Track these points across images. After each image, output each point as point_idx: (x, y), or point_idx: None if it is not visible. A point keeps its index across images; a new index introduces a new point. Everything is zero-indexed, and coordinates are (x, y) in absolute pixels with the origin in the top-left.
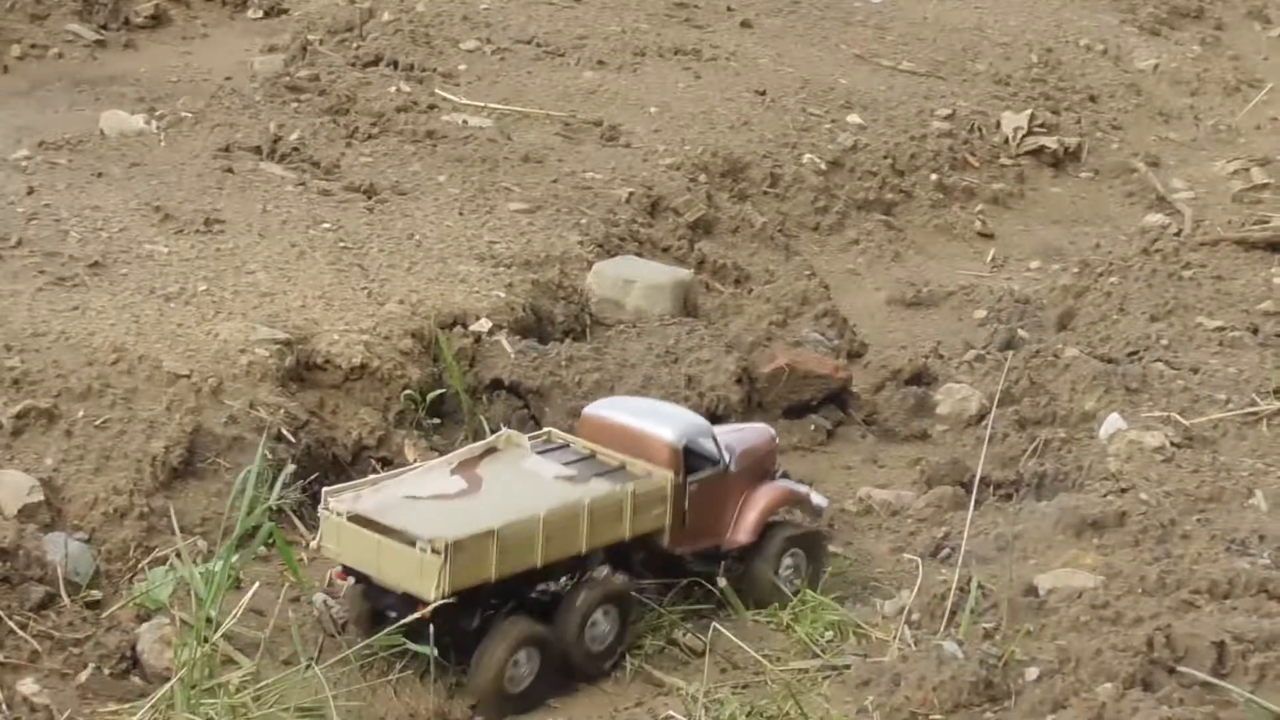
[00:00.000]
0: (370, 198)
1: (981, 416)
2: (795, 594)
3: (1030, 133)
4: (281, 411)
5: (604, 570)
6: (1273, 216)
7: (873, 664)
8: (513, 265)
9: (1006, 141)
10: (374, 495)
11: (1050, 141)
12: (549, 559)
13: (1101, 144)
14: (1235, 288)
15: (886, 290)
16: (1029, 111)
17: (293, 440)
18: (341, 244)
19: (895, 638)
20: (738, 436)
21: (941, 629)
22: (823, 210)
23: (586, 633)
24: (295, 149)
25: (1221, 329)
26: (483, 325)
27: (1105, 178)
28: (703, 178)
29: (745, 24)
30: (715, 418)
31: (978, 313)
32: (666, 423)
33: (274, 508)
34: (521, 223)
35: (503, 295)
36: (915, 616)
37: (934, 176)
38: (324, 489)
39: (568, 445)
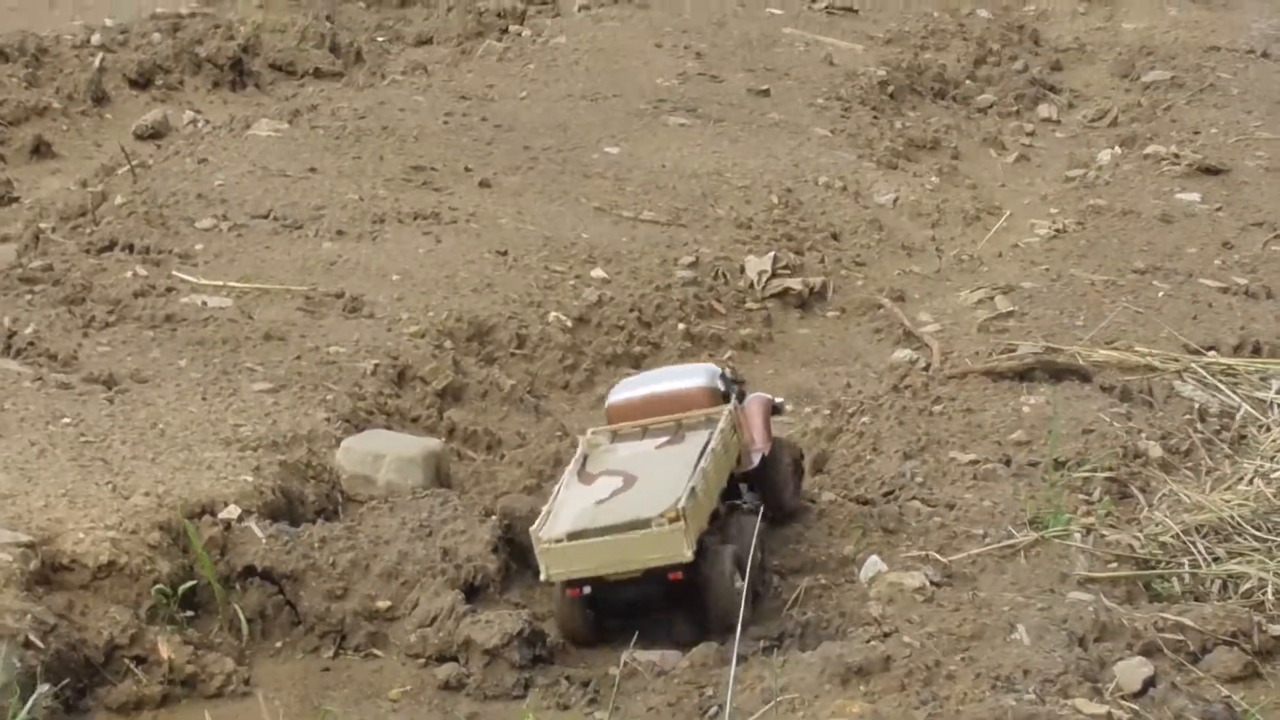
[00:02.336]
0: (110, 388)
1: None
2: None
3: (775, 275)
4: (28, 617)
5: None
6: (1018, 344)
7: None
8: (259, 448)
9: (752, 285)
10: (569, 515)
11: (795, 282)
12: (714, 502)
13: (846, 281)
14: (986, 419)
15: None
16: (772, 253)
17: (41, 646)
18: (83, 438)
19: None
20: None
21: None
22: (571, 368)
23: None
24: (31, 343)
25: (975, 462)
26: (231, 512)
27: (852, 315)
28: (448, 343)
29: (484, 183)
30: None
31: None
32: (690, 375)
33: None
34: (266, 403)
35: (250, 479)
36: None
37: (681, 326)
38: (531, 529)
39: (618, 432)
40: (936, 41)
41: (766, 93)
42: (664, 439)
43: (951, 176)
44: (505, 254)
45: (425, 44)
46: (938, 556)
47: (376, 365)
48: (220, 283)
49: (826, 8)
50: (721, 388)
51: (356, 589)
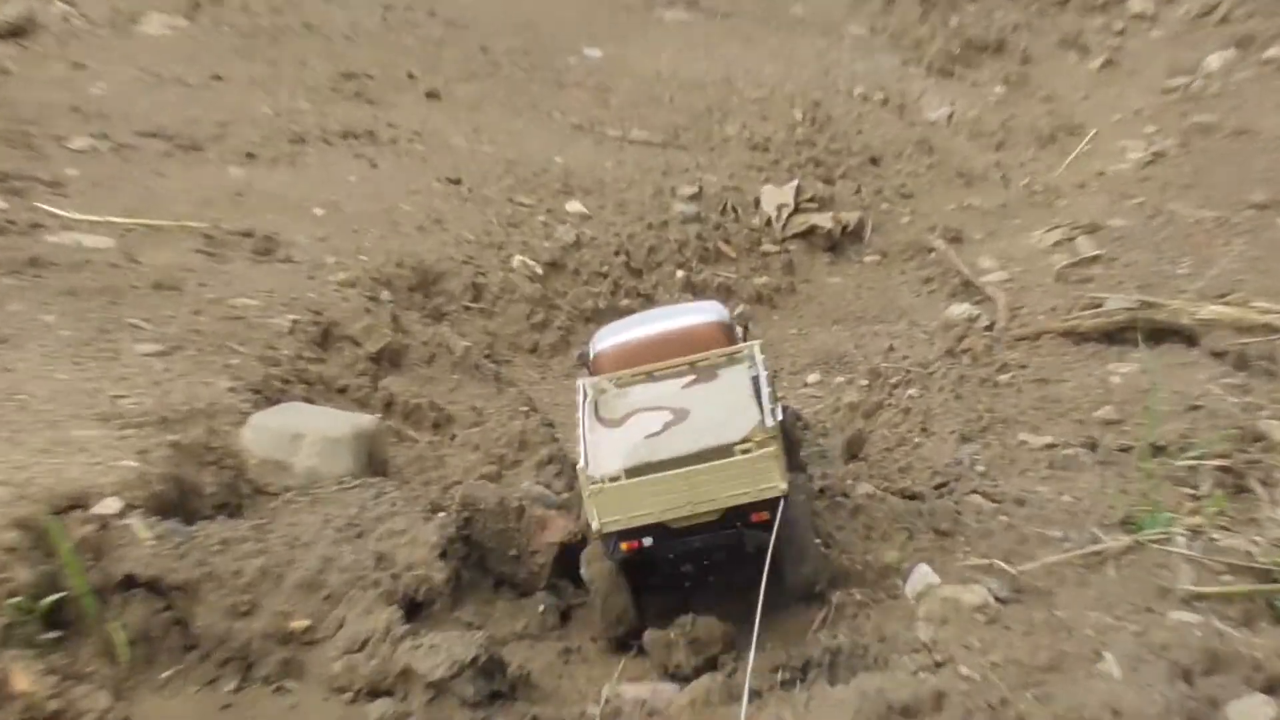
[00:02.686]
0: None
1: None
2: None
3: (798, 210)
4: None
5: None
6: (1106, 298)
7: None
8: (145, 425)
9: (769, 223)
10: (616, 453)
11: (824, 219)
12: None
13: (889, 218)
14: (1065, 392)
15: None
16: (795, 182)
17: None
18: None
19: None
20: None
21: None
22: (540, 326)
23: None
24: None
25: (1051, 446)
26: (109, 506)
27: (895, 260)
28: (386, 295)
29: (432, 94)
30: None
31: None
32: (698, 312)
33: None
34: (155, 369)
35: (134, 465)
36: None
37: (680, 273)
38: (577, 467)
39: (623, 377)
40: None
41: None
42: (688, 379)
43: (1021, 86)
44: (458, 183)
45: None
46: (1004, 566)
47: (295, 322)
48: (99, 218)
49: None
50: (732, 324)
51: (266, 604)
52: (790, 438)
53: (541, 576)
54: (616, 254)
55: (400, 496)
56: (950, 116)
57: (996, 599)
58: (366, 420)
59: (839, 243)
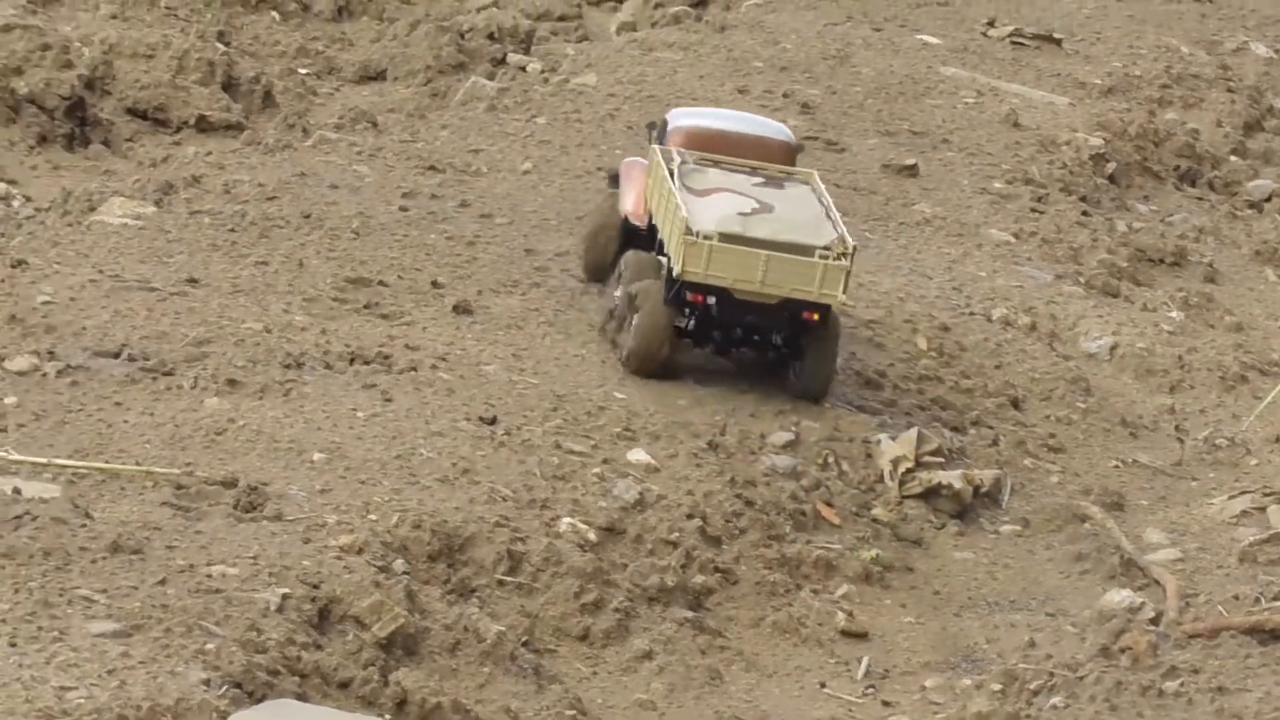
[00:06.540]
0: None
1: None
2: None
3: (919, 464)
4: None
5: None
6: None
7: None
8: None
9: (883, 479)
10: (711, 219)
11: (951, 477)
12: None
13: (1033, 477)
14: (1249, 706)
15: None
16: (915, 430)
17: None
18: None
19: None
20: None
21: None
22: (593, 607)
23: None
24: None
25: None
26: None
27: (1039, 532)
28: (399, 564)
29: (461, 308)
30: None
31: None
32: (770, 128)
33: None
34: (111, 653)
35: None
36: None
37: (769, 547)
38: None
39: (700, 156)
40: (1185, 92)
41: (913, 170)
42: (758, 180)
43: (1204, 310)
44: (493, 423)
45: (374, 80)
46: None
47: (286, 596)
48: (42, 460)
49: (1012, 36)
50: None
51: None
52: None
53: None
54: (690, 518)
55: None
56: (1113, 348)
57: None
58: None
59: (970, 507)
